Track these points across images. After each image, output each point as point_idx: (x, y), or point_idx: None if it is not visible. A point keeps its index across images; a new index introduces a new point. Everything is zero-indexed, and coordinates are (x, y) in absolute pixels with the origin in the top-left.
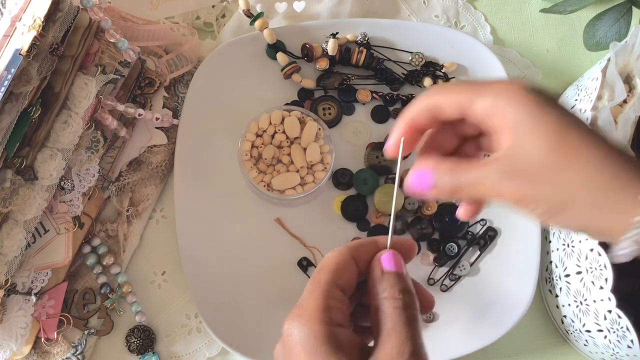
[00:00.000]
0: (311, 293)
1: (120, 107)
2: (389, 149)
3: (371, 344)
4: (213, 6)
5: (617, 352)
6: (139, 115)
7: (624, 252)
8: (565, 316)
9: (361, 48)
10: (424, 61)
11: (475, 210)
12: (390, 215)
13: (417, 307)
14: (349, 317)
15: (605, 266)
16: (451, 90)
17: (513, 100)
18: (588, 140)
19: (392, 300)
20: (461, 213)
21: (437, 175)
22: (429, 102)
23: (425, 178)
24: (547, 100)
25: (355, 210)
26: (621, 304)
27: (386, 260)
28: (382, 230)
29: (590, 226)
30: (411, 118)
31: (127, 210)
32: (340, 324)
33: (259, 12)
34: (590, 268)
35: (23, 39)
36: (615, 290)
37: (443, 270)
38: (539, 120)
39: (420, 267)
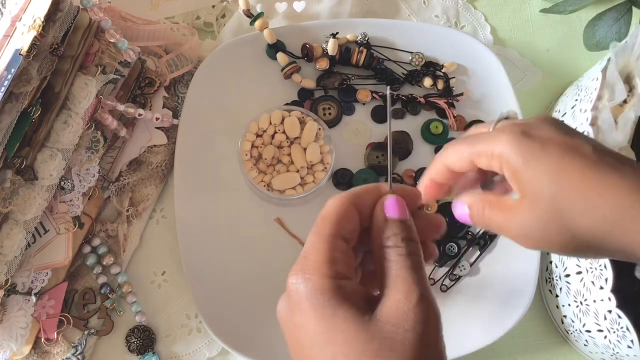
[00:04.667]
0: (314, 245)
1: (120, 107)
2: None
3: (377, 293)
4: (213, 6)
5: (617, 352)
6: (139, 115)
7: None
8: (565, 316)
9: (361, 48)
10: (424, 61)
11: None
12: None
13: (421, 254)
14: (353, 268)
15: (605, 266)
16: (455, 151)
17: (510, 153)
18: (589, 170)
19: (396, 249)
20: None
21: (471, 212)
22: (441, 164)
23: (463, 213)
24: (544, 140)
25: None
26: (621, 304)
27: (390, 206)
28: None
29: (618, 251)
30: (431, 178)
31: (127, 210)
32: (345, 276)
33: (259, 12)
34: (590, 268)
35: (23, 39)
36: (615, 290)
37: (443, 270)
38: (535, 166)
39: None
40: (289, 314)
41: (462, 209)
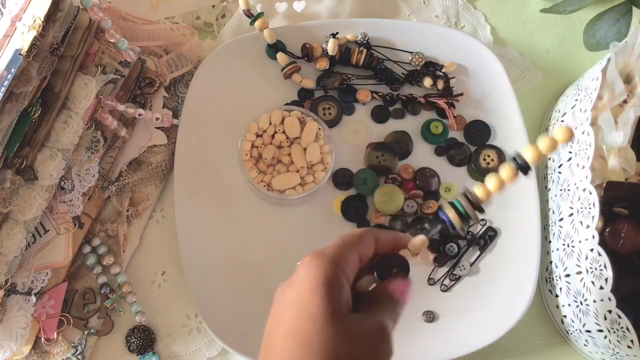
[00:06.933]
0: (339, 247)
1: (120, 107)
2: None
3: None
4: (213, 6)
5: (617, 352)
6: (139, 115)
7: None
8: (565, 316)
9: (361, 48)
10: (424, 61)
11: None
12: (390, 215)
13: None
14: (352, 280)
15: (605, 266)
16: None
17: None
18: None
19: (384, 303)
20: None
21: None
22: None
23: None
24: None
25: (355, 210)
26: (621, 304)
27: (397, 289)
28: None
29: None
30: None
31: (127, 210)
32: (348, 278)
33: (259, 12)
34: (590, 268)
35: (23, 39)
36: (615, 290)
37: (443, 270)
38: None
39: (420, 267)
40: (289, 289)
41: None
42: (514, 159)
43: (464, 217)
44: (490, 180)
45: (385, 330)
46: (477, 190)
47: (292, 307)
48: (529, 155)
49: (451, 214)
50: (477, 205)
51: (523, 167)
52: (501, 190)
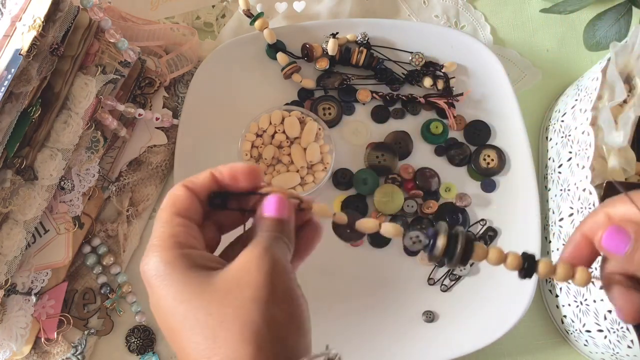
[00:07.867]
0: (155, 230)
1: (120, 107)
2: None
3: None
4: (213, 6)
5: (617, 352)
6: (139, 115)
7: None
8: (565, 316)
9: (361, 48)
10: (424, 61)
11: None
12: (390, 215)
13: (287, 244)
14: (199, 240)
15: None
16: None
17: None
18: None
19: (266, 233)
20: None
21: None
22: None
23: (623, 241)
24: None
25: (355, 210)
26: None
27: (267, 205)
28: None
29: None
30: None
31: (127, 210)
32: (190, 246)
33: (259, 12)
34: (590, 268)
35: (23, 39)
36: None
37: (443, 270)
38: None
39: (420, 267)
40: (151, 299)
41: (622, 237)
42: (528, 258)
43: (449, 251)
44: (495, 252)
45: (262, 250)
46: (478, 246)
47: (172, 317)
48: (541, 267)
49: (441, 241)
50: (468, 253)
51: (527, 271)
52: (495, 264)
